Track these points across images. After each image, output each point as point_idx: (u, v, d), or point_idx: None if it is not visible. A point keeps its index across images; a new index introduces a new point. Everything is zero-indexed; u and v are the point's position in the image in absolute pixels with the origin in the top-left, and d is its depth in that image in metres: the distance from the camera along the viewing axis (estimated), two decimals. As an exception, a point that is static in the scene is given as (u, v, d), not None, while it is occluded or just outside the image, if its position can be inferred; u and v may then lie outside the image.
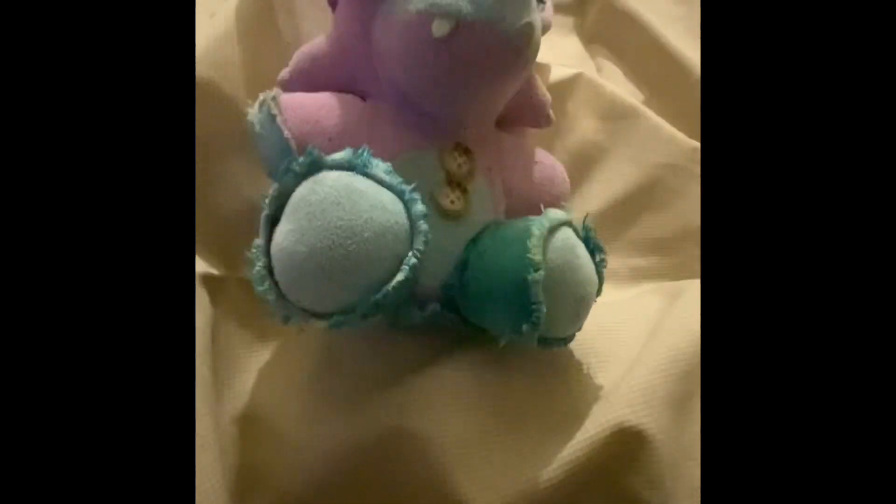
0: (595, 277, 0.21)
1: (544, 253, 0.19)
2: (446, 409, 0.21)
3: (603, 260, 0.22)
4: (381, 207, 0.17)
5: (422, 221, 0.18)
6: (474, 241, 0.22)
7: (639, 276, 0.30)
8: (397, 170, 0.19)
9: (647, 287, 0.29)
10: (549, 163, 0.26)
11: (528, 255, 0.19)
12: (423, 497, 0.20)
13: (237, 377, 0.23)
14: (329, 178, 0.17)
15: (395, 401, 0.21)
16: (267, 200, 0.18)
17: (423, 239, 0.18)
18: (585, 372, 0.23)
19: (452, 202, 0.21)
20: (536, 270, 0.19)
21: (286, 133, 0.20)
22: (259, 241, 0.18)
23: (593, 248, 0.22)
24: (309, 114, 0.21)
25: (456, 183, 0.22)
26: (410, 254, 0.18)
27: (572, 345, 0.24)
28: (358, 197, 0.17)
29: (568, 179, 0.26)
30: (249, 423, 0.22)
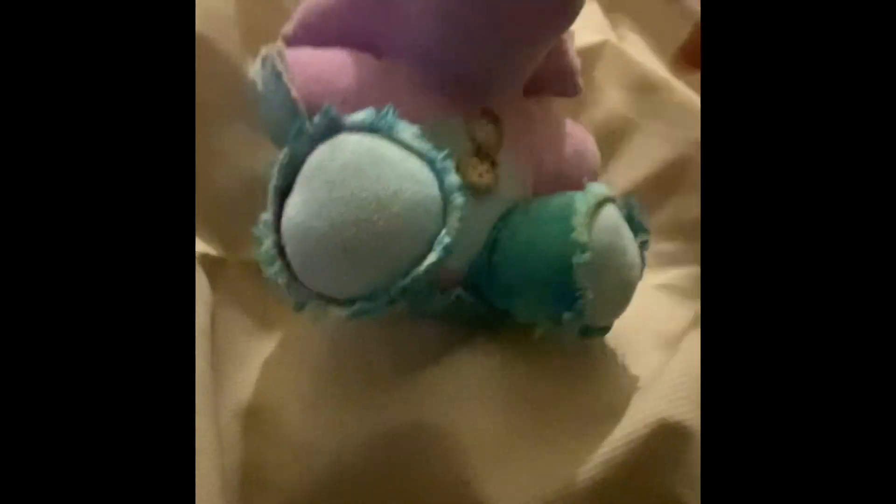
0: (639, 260, 0.19)
1: (589, 233, 0.17)
2: (469, 402, 0.19)
3: (646, 242, 0.20)
4: (411, 177, 0.15)
5: (456, 194, 0.16)
6: (504, 219, 0.20)
7: (665, 262, 0.28)
8: None
9: (675, 273, 0.27)
10: (579, 135, 0.24)
11: (573, 236, 0.17)
12: (446, 500, 0.19)
13: (238, 368, 0.21)
14: (349, 141, 0.15)
15: (412, 395, 0.19)
16: (276, 168, 0.15)
17: (458, 215, 0.16)
18: (620, 363, 0.21)
19: (481, 175, 0.19)
20: (583, 252, 0.17)
21: (294, 93, 0.18)
22: (267, 215, 0.15)
23: (637, 228, 0.20)
24: (319, 72, 0.18)
25: (484, 154, 0.19)
26: (444, 231, 0.15)
27: (604, 340, 0.22)
28: (384, 165, 0.15)
29: (598, 153, 0.24)
30: (252, 419, 0.20)
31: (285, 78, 0.18)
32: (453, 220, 0.16)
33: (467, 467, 0.18)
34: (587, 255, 0.17)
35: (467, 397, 0.19)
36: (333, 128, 0.16)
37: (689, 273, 0.27)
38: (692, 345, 0.21)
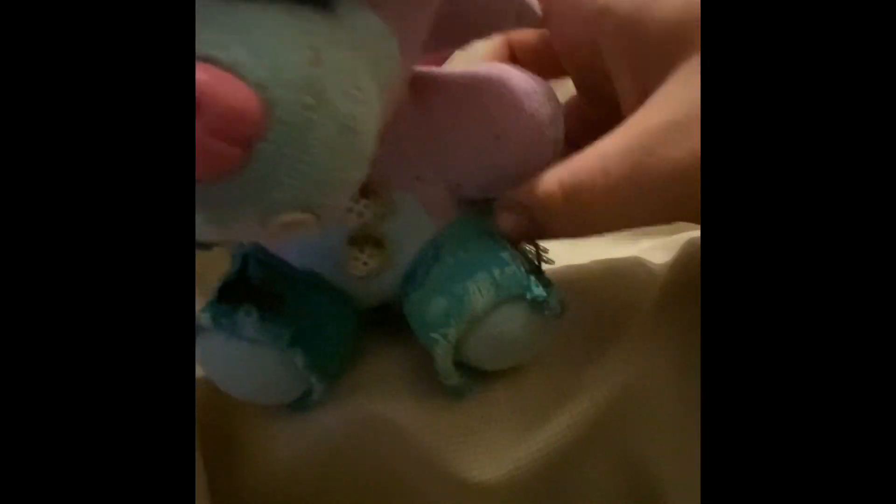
0: (536, 337, 0.18)
1: (462, 338, 0.17)
2: (435, 381, 0.20)
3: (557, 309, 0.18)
4: (264, 381, 0.18)
5: (313, 378, 0.18)
6: (411, 278, 0.19)
7: (637, 233, 0.29)
8: (295, 241, 0.17)
9: (647, 244, 0.28)
10: (497, 104, 0.17)
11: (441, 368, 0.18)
12: (421, 478, 0.19)
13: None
14: (208, 352, 0.17)
15: (374, 383, 0.20)
16: None
17: (317, 392, 0.18)
18: (587, 330, 0.22)
19: (365, 263, 0.17)
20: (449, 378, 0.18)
21: None
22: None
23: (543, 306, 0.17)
24: None
25: (364, 238, 0.17)
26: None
27: (572, 306, 0.22)
28: (239, 373, 0.17)
29: (554, 118, 0.18)
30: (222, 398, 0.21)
31: None
32: (314, 396, 0.18)
33: (438, 447, 0.19)
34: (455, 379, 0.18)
35: (432, 378, 0.20)
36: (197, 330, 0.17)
37: (660, 243, 0.27)
38: (655, 310, 0.21)
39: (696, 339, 0.21)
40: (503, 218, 0.18)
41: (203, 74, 0.10)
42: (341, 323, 0.19)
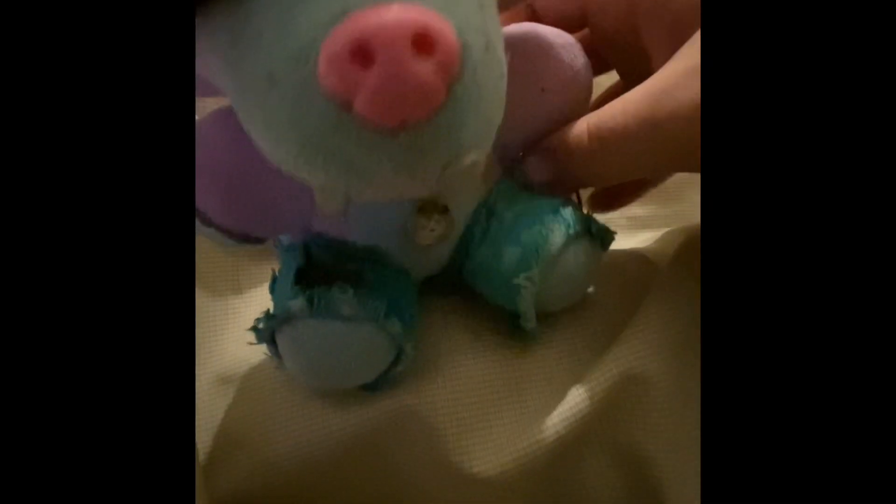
0: (594, 273, 0.20)
1: (542, 278, 0.18)
2: (438, 377, 0.20)
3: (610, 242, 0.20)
4: (364, 353, 0.17)
5: (407, 345, 0.18)
6: (469, 239, 0.19)
7: (637, 225, 0.29)
8: (359, 219, 0.17)
9: (645, 236, 0.28)
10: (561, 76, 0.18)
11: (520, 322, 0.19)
12: (422, 472, 0.19)
13: (213, 336, 0.21)
14: (302, 339, 0.17)
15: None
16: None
17: (408, 358, 0.18)
18: (584, 325, 0.22)
19: (432, 230, 0.18)
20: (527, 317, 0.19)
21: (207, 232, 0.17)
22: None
23: (601, 240, 0.20)
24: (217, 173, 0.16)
25: (432, 206, 0.17)
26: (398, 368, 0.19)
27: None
28: (337, 351, 0.17)
29: (587, 68, 0.19)
30: (229, 386, 0.21)
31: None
32: (402, 365, 0.18)
33: (440, 440, 0.19)
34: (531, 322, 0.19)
35: (434, 373, 0.20)
36: (283, 320, 0.17)
37: (660, 235, 0.27)
38: (657, 301, 0.21)
39: (695, 331, 0.21)
40: (532, 163, 0.19)
41: (421, 14, 0.10)
42: (411, 292, 0.19)
